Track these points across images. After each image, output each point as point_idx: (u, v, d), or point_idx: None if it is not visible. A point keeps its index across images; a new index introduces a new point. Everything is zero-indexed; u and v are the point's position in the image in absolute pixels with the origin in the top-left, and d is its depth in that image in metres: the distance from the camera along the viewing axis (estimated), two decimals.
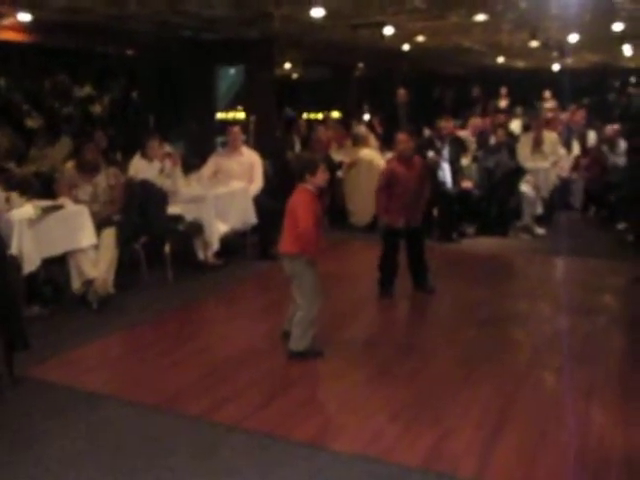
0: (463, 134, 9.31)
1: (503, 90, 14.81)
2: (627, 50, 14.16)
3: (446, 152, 8.00)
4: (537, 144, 8.69)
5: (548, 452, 3.21)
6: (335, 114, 14.99)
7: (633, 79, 20.56)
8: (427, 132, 9.47)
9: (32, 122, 10.94)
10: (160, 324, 5.09)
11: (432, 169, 7.69)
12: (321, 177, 4.29)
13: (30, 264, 4.83)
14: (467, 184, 8.08)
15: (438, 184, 7.77)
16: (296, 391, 3.91)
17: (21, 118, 10.86)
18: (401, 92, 10.84)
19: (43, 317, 5.05)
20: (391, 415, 3.59)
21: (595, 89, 19.70)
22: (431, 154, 7.83)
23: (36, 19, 8.31)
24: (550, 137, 8.91)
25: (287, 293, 4.45)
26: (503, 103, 14.15)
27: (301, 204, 4.22)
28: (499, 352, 4.49)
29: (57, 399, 3.78)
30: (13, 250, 4.68)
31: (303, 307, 4.27)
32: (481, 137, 9.51)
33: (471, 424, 3.47)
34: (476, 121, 9.89)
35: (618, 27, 10.17)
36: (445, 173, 7.88)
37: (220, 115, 12.45)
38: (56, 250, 5.17)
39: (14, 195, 5.13)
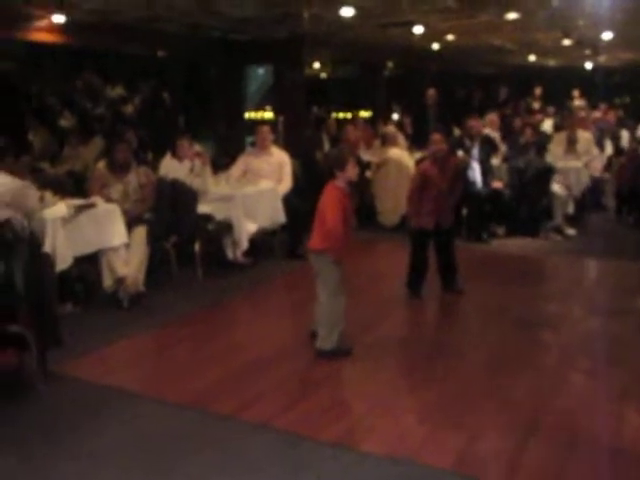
0: (489, 131, 9.20)
1: (537, 90, 14.61)
2: None
3: (476, 152, 7.93)
4: (571, 143, 8.58)
5: (580, 457, 3.16)
6: (364, 114, 14.96)
7: None
8: (457, 132, 9.39)
9: (65, 122, 11.11)
10: (189, 322, 5.13)
11: (462, 169, 7.64)
12: (351, 171, 4.29)
13: (63, 262, 4.90)
14: (497, 184, 8.00)
15: (468, 184, 7.71)
16: (324, 391, 3.91)
17: (54, 118, 11.03)
18: (430, 92, 10.76)
19: (75, 315, 5.12)
20: (420, 417, 3.57)
21: (629, 88, 19.37)
22: (460, 154, 7.77)
23: (69, 20, 8.44)
24: (584, 136, 8.78)
25: (315, 292, 4.45)
26: (536, 104, 13.95)
27: (330, 202, 4.23)
28: (530, 354, 4.44)
29: (88, 396, 3.84)
30: (46, 248, 4.75)
31: (326, 305, 4.28)
32: (510, 137, 9.40)
33: (501, 427, 3.43)
34: (493, 117, 9.68)
35: None
36: (475, 173, 7.81)
37: (249, 115, 12.51)
38: (88, 248, 5.24)
39: (48, 194, 5.21)
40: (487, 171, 7.98)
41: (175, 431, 3.43)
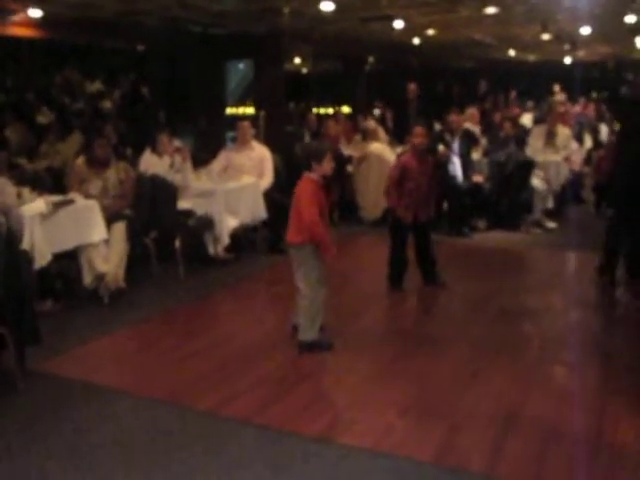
0: (469, 126, 9.25)
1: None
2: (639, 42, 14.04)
3: (456, 146, 7.97)
4: (550, 137, 8.63)
5: (560, 447, 3.19)
6: (345, 108, 14.96)
7: None
8: (437, 126, 9.42)
9: (43, 118, 10.99)
10: (171, 318, 5.11)
11: (443, 163, 7.68)
12: (328, 166, 4.30)
13: (42, 259, 4.85)
14: (478, 178, 8.05)
15: (449, 178, 7.74)
16: (306, 386, 3.91)
17: (32, 114, 10.91)
18: (411, 87, 10.78)
19: (55, 312, 5.07)
20: (402, 409, 3.58)
21: (607, 82, 19.55)
22: (441, 148, 7.80)
23: (46, 15, 8.34)
24: (563, 131, 8.84)
25: (296, 287, 4.45)
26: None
27: (304, 194, 4.23)
28: (510, 346, 4.47)
29: (69, 393, 3.81)
30: (25, 245, 4.70)
31: (308, 296, 4.30)
32: (490, 131, 9.45)
33: (482, 419, 3.45)
34: (473, 111, 9.75)
35: (631, 19, 10.08)
36: (455, 167, 7.85)
37: (230, 110, 12.46)
38: (67, 245, 5.19)
39: (25, 191, 5.16)
40: (467, 165, 8.02)
41: (157, 428, 3.42)
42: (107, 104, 12.53)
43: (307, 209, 4.17)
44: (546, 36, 11.87)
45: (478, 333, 4.73)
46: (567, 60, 18.32)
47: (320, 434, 3.31)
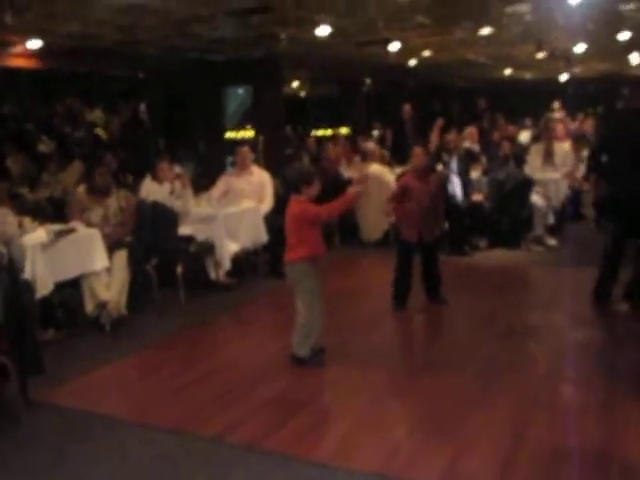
0: (469, 144, 9.30)
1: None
2: (634, 58, 14.15)
3: (454, 165, 8.00)
4: (548, 155, 8.66)
5: (569, 469, 3.16)
6: (344, 130, 15.05)
7: None
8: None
9: (44, 147, 11.06)
10: (173, 345, 5.09)
11: (442, 182, 7.70)
12: (315, 189, 4.40)
13: (43, 288, 4.86)
14: (477, 197, 8.06)
15: (448, 197, 7.76)
16: (311, 409, 3.89)
17: (33, 143, 10.98)
18: (406, 107, 10.85)
19: (57, 341, 5.06)
20: (407, 432, 3.56)
21: (604, 98, 19.66)
22: (440, 167, 7.82)
23: (46, 45, 8.43)
24: (561, 148, 8.88)
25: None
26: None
27: (306, 206, 4.34)
28: (515, 366, 4.45)
29: (72, 424, 3.79)
30: (26, 275, 4.72)
31: (303, 312, 4.40)
32: (489, 150, 9.49)
33: (489, 441, 3.42)
34: (472, 130, 9.83)
35: (624, 36, 10.17)
36: (454, 186, 7.87)
37: (229, 134, 12.53)
38: (69, 274, 5.20)
39: (27, 220, 5.18)
40: (467, 184, 8.05)
41: (162, 456, 3.39)
42: (107, 132, 12.60)
43: (317, 209, 4.32)
44: (541, 55, 11.97)
45: (482, 352, 4.71)
46: (563, 77, 18.45)
47: (326, 458, 3.29)
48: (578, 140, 10.92)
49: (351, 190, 4.42)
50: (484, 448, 3.35)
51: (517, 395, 3.96)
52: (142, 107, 13.09)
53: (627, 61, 14.58)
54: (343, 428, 3.67)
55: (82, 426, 3.75)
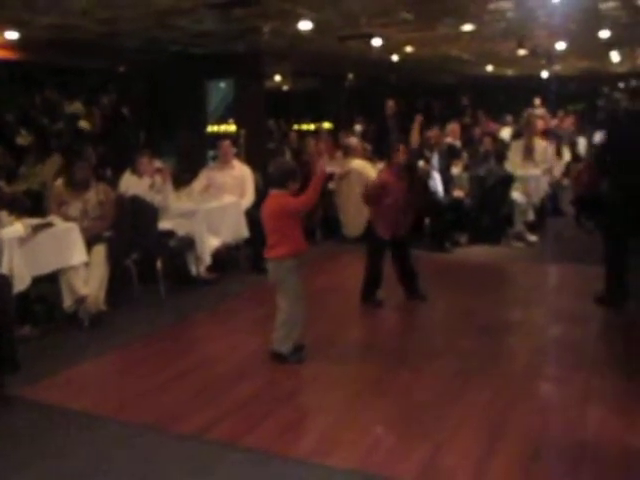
0: (450, 140, 9.34)
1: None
2: (615, 56, 14.28)
3: (436, 161, 8.02)
4: (528, 152, 8.71)
5: (545, 463, 3.19)
6: (326, 125, 15.04)
7: (622, 84, 20.69)
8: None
9: (22, 139, 10.91)
10: (153, 341, 5.05)
11: (423, 179, 7.72)
12: (297, 184, 4.40)
13: (21, 283, 4.78)
14: (459, 193, 8.10)
15: (430, 194, 7.78)
16: (291, 406, 3.88)
17: (11, 136, 10.83)
18: (390, 103, 10.85)
19: (34, 336, 4.99)
20: (386, 428, 3.56)
21: (585, 95, 19.83)
22: (421, 164, 7.85)
23: (24, 37, 8.31)
24: (541, 145, 8.94)
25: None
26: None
27: (285, 200, 4.31)
28: (494, 361, 4.48)
29: (49, 420, 3.74)
30: (3, 269, 4.65)
31: (286, 310, 4.38)
32: (470, 146, 9.54)
33: (467, 435, 3.44)
34: (454, 126, 9.91)
35: (605, 34, 10.26)
36: (436, 182, 7.90)
37: (211, 128, 12.46)
38: (47, 268, 5.13)
39: (3, 214, 5.10)
40: (448, 180, 8.07)
41: (141, 453, 3.36)
42: (87, 125, 12.47)
43: (297, 201, 4.31)
44: (522, 51, 12.03)
45: (462, 348, 4.73)
46: (544, 74, 18.57)
47: (306, 455, 3.28)
48: (557, 138, 11.02)
49: (321, 166, 4.42)
50: (463, 443, 3.37)
51: (496, 390, 3.99)
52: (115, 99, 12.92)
53: (607, 59, 14.72)
54: (322, 424, 3.66)
55: (58, 422, 3.71)
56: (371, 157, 9.26)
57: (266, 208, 4.40)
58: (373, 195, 5.56)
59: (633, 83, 17.62)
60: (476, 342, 4.84)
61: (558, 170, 9.75)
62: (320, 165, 4.45)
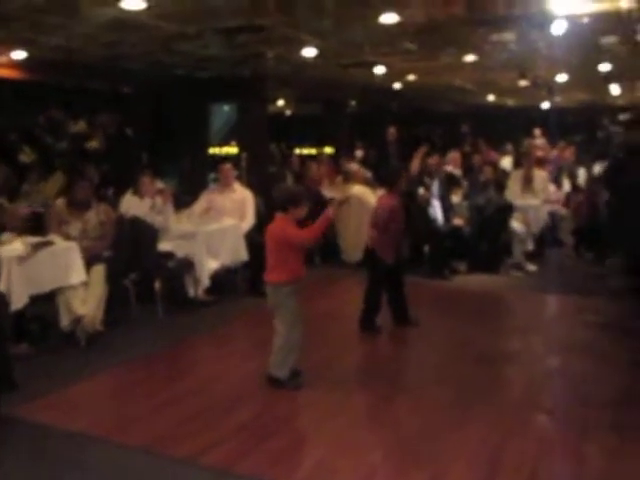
0: (451, 169, 9.40)
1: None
2: (614, 89, 14.42)
3: (435, 189, 8.06)
4: (527, 181, 8.76)
5: None
6: (328, 150, 15.12)
7: (621, 117, 20.84)
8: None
9: (25, 157, 10.95)
10: (149, 363, 5.03)
11: (422, 206, 7.77)
12: (302, 210, 4.41)
13: (18, 301, 4.78)
14: (458, 221, 8.12)
15: (429, 221, 7.81)
16: (286, 433, 3.85)
17: (14, 154, 10.87)
18: (391, 130, 10.95)
19: (30, 355, 4.97)
20: (383, 456, 3.54)
21: (584, 127, 19.97)
22: (421, 191, 7.89)
23: (30, 57, 8.39)
24: (540, 175, 8.99)
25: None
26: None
27: (287, 227, 4.32)
28: (491, 391, 4.46)
29: (44, 440, 3.72)
30: (1, 287, 4.65)
31: (283, 334, 4.38)
32: (470, 174, 9.59)
33: (463, 465, 3.42)
34: (455, 155, 10.01)
35: (605, 67, 10.37)
36: (435, 210, 7.93)
37: (213, 150, 12.53)
38: (45, 287, 5.13)
39: (4, 233, 5.11)
40: (447, 208, 8.10)
41: (134, 476, 3.34)
42: (92, 144, 12.52)
43: (296, 233, 4.31)
44: (524, 82, 12.15)
45: (459, 377, 4.71)
46: (545, 105, 18.72)
47: None
48: (558, 168, 11.10)
49: (328, 211, 4.40)
50: (459, 473, 3.34)
51: (492, 421, 3.96)
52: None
53: (607, 91, 14.86)
54: (319, 452, 3.64)
55: (53, 443, 3.68)
56: (372, 183, 9.29)
57: (270, 230, 4.43)
58: (384, 221, 5.57)
59: (626, 116, 17.76)
60: (473, 371, 4.82)
61: (557, 200, 9.78)
62: (328, 210, 4.41)
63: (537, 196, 8.69)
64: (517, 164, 10.88)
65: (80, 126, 12.88)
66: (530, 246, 8.45)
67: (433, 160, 8.47)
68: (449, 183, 8.55)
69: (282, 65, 9.76)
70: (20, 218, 5.52)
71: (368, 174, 9.79)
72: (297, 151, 16.16)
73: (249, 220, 7.13)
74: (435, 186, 8.06)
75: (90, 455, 3.55)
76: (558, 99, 16.97)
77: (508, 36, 7.82)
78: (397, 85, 13.30)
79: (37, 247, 5.08)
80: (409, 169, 7.17)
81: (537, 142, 14.01)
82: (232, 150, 12.96)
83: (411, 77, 12.03)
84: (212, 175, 10.23)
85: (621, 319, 6.19)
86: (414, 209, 7.18)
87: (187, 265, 6.27)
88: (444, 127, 17.64)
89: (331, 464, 3.46)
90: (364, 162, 11.77)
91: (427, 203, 7.81)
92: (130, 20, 6.46)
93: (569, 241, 9.54)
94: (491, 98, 17.32)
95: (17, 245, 4.98)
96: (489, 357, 5.14)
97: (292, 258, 4.35)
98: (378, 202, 5.93)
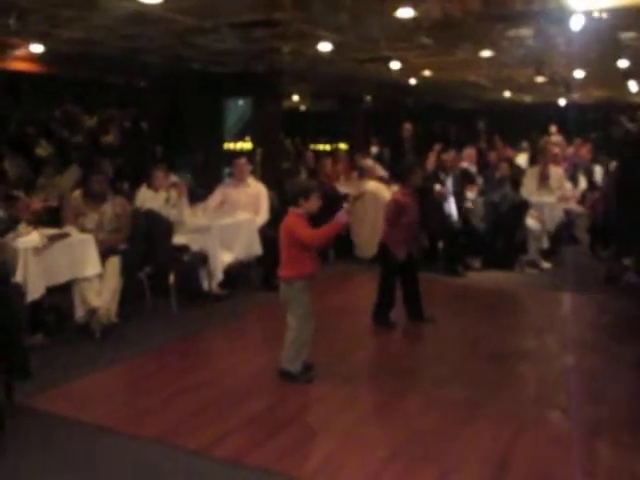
0: (467, 165, 9.36)
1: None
2: (633, 86, 14.25)
3: (450, 184, 8.03)
4: (543, 179, 8.70)
5: None
6: (342, 145, 15.10)
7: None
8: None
9: (42, 151, 11.04)
10: (163, 355, 5.06)
11: (438, 202, 7.74)
12: (314, 203, 4.39)
13: (34, 292, 4.83)
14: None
15: (444, 217, 7.79)
16: (296, 426, 3.87)
17: (31, 147, 10.96)
18: (407, 126, 10.92)
19: (46, 346, 5.03)
20: (392, 452, 3.54)
21: (601, 124, 19.77)
22: (438, 187, 7.86)
23: (48, 50, 8.45)
24: (556, 172, 8.92)
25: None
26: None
27: (296, 224, 4.32)
28: (504, 388, 4.44)
29: (58, 430, 3.75)
30: (18, 278, 4.70)
31: (295, 328, 4.39)
32: (486, 171, 9.55)
33: (474, 462, 3.41)
34: (471, 151, 9.96)
35: (623, 64, 10.26)
36: (451, 206, 7.90)
37: (228, 145, 12.56)
38: (61, 278, 5.17)
39: (21, 224, 5.16)
40: (462, 204, 8.07)
41: (145, 467, 3.36)
42: (108, 138, 12.60)
43: (302, 231, 4.28)
44: (540, 79, 12.05)
45: (471, 374, 4.70)
46: (562, 102, 18.56)
47: (310, 477, 3.27)
48: (574, 165, 11.01)
49: (341, 217, 4.34)
50: (469, 471, 3.33)
51: (504, 419, 3.95)
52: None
53: (626, 88, 14.69)
54: (328, 446, 3.64)
55: (67, 432, 3.72)
56: (386, 180, 9.26)
57: (283, 225, 4.44)
58: (393, 216, 5.59)
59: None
60: (485, 369, 4.81)
61: (573, 198, 9.70)
62: (341, 216, 4.35)
63: (553, 193, 8.63)
64: (533, 161, 10.80)
65: (95, 120, 12.96)
66: (545, 243, 8.39)
67: (449, 156, 8.43)
68: (463, 179, 8.51)
69: (297, 60, 9.75)
70: (33, 212, 5.54)
71: (382, 171, 9.78)
72: (312, 147, 16.16)
73: (263, 215, 7.15)
74: (449, 182, 8.04)
75: (102, 446, 3.58)
76: (575, 96, 16.80)
77: (525, 32, 7.76)
78: (413, 81, 13.24)
79: (53, 239, 5.13)
80: (424, 165, 7.16)
81: (553, 139, 13.90)
82: (246, 146, 12.97)
83: (427, 73, 11.97)
84: (227, 169, 10.25)
85: (635, 317, 6.14)
86: (429, 205, 7.14)
87: (201, 259, 6.30)
88: (460, 123, 17.52)
89: (341, 458, 3.47)
90: (379, 158, 11.75)
91: (443, 198, 7.78)
92: (147, 13, 6.48)
93: (585, 239, 9.46)
94: (507, 94, 17.19)
95: (34, 236, 5.02)
96: (502, 354, 5.12)
97: (304, 254, 4.36)
98: (391, 197, 5.94)
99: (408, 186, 5.73)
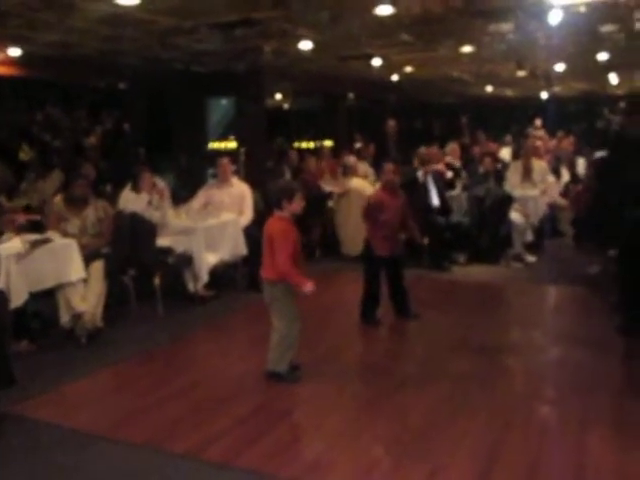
0: (450, 160, 9.39)
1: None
2: (613, 78, 14.37)
3: (431, 180, 8.06)
4: (526, 172, 8.75)
5: None
6: (327, 143, 15.09)
7: (621, 105, 20.75)
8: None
9: (24, 155, 10.94)
10: (149, 359, 5.03)
11: (422, 196, 7.76)
12: (298, 205, 4.35)
13: (18, 298, 4.78)
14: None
15: (429, 211, 7.81)
16: (286, 426, 3.86)
17: (13, 151, 10.86)
18: (390, 123, 10.95)
19: (31, 352, 4.99)
20: (382, 450, 3.54)
21: (584, 117, 19.92)
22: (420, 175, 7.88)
23: (27, 53, 8.37)
24: (539, 165, 8.97)
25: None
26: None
27: (279, 234, 4.27)
28: (491, 383, 4.45)
29: (44, 437, 3.72)
30: (0, 284, 4.65)
31: (281, 330, 4.37)
32: (469, 165, 9.58)
33: (463, 458, 3.42)
34: (454, 146, 10.00)
35: (603, 57, 10.33)
36: (432, 195, 7.93)
37: (212, 145, 12.50)
38: (44, 284, 5.13)
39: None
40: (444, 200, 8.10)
41: (135, 472, 3.34)
42: (90, 141, 12.51)
43: (281, 255, 4.20)
44: (522, 73, 12.11)
45: (459, 370, 4.71)
46: (544, 95, 18.67)
47: (300, 477, 3.26)
48: (557, 158, 11.07)
49: (307, 286, 4.19)
50: (459, 466, 3.34)
51: (492, 413, 3.96)
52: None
53: (606, 81, 14.80)
54: (318, 446, 3.64)
55: (53, 439, 3.69)
56: (369, 176, 9.27)
57: (266, 228, 4.39)
58: (370, 212, 5.61)
59: (623, 104, 17.68)
60: (473, 363, 4.82)
61: (555, 190, 9.76)
62: (309, 285, 4.18)
63: (536, 187, 8.68)
64: (516, 155, 10.86)
65: (77, 122, 12.87)
66: (530, 237, 8.44)
67: (433, 151, 8.46)
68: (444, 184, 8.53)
69: (279, 59, 9.73)
70: (17, 225, 5.47)
71: (369, 170, 9.79)
72: (296, 145, 16.13)
73: (248, 215, 7.12)
74: (430, 178, 8.05)
75: (89, 451, 3.56)
76: (557, 89, 16.91)
77: (505, 27, 7.79)
78: (395, 77, 13.25)
79: (35, 244, 5.08)
80: (409, 162, 7.18)
81: (537, 133, 13.98)
82: (231, 145, 12.92)
83: (409, 69, 11.99)
84: (211, 171, 10.21)
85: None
86: (415, 200, 7.16)
87: (186, 260, 6.27)
88: (443, 119, 17.61)
89: (330, 458, 3.46)
90: (359, 154, 11.74)
91: (425, 193, 7.79)
92: (125, 15, 6.43)
93: (568, 232, 9.52)
94: (489, 89, 17.26)
95: (15, 243, 4.97)
96: (489, 348, 5.14)
97: None
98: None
99: (386, 183, 5.73)
